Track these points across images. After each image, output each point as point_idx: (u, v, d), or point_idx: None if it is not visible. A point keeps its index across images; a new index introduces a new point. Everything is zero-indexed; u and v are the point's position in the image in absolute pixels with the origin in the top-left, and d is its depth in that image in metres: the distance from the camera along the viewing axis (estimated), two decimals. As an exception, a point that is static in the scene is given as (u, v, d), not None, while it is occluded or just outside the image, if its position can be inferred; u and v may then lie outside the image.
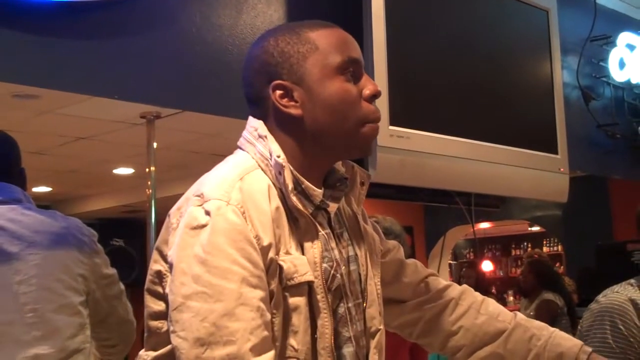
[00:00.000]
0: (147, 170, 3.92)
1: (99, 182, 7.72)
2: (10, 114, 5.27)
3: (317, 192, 1.50)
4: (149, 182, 3.89)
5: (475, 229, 3.50)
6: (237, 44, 2.76)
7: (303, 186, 1.48)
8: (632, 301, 2.55)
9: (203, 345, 1.30)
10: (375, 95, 1.53)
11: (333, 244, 1.52)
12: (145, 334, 1.51)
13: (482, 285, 7.31)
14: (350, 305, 1.53)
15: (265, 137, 1.50)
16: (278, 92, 1.50)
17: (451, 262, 12.56)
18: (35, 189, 8.24)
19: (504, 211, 4.86)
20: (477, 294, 1.85)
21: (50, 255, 2.33)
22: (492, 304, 1.83)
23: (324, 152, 1.53)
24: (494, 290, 12.53)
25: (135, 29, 2.54)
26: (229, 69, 2.73)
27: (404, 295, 1.80)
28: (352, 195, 1.65)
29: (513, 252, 14.63)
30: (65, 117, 5.43)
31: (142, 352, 1.51)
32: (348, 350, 1.50)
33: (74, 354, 2.33)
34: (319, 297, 1.44)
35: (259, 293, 1.35)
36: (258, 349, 1.32)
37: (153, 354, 1.47)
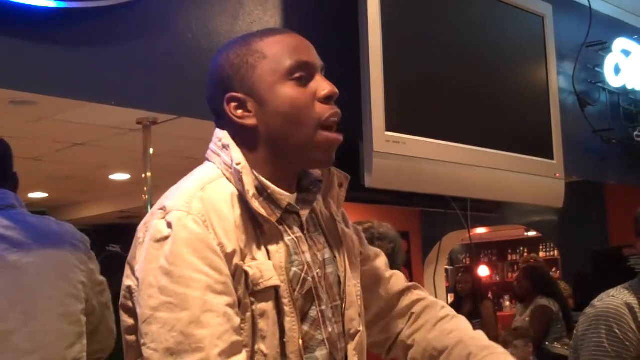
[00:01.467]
0: (143, 176, 3.92)
1: (95, 188, 7.71)
2: (6, 120, 5.26)
3: (284, 197, 1.50)
4: (145, 188, 3.89)
5: (471, 234, 3.51)
6: (233, 50, 2.77)
7: (269, 191, 1.48)
8: (628, 305, 2.56)
9: (173, 355, 1.32)
10: (331, 96, 1.51)
11: (305, 247, 1.52)
12: (125, 349, 1.51)
13: (478, 290, 7.30)
14: (323, 307, 1.52)
15: (228, 146, 1.51)
16: (232, 104, 1.52)
17: (447, 267, 12.56)
18: (31, 195, 8.23)
19: (500, 216, 4.87)
20: (446, 311, 1.78)
21: (48, 262, 2.32)
22: (452, 322, 1.75)
23: (285, 160, 1.52)
24: (490, 295, 12.53)
25: (132, 35, 2.54)
26: (225, 75, 2.73)
27: (382, 306, 1.77)
28: (331, 197, 1.65)
29: (509, 257, 14.64)
30: (62, 123, 5.42)
31: None
32: (321, 353, 1.50)
33: None
34: (285, 301, 1.44)
35: (225, 299, 1.37)
36: (227, 353, 1.33)
37: None
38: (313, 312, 1.50)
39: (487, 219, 4.50)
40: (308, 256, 1.52)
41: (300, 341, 1.46)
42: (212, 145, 1.58)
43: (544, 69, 3.60)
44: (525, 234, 13.23)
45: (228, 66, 1.53)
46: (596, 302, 2.65)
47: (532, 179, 3.42)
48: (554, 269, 10.83)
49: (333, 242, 1.61)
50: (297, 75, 1.50)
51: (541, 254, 12.91)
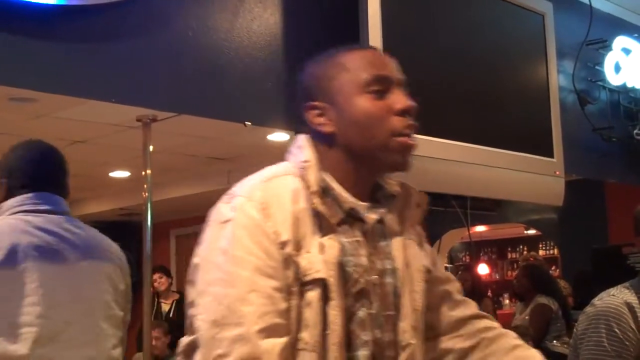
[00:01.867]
0: (143, 173, 3.92)
1: (95, 185, 7.72)
2: (6, 117, 5.26)
3: (348, 201, 1.60)
4: (145, 185, 3.88)
5: (471, 232, 3.51)
6: (233, 48, 2.76)
7: (334, 192, 1.59)
8: (628, 304, 2.56)
9: (218, 327, 1.44)
10: (407, 110, 1.60)
11: (363, 252, 1.61)
12: (187, 321, 1.62)
13: (478, 288, 7.30)
14: (373, 312, 1.59)
15: (302, 147, 1.63)
16: (312, 111, 1.64)
17: (447, 265, 12.53)
18: (31, 192, 8.22)
19: (500, 214, 4.86)
20: (519, 340, 1.85)
21: (101, 268, 2.52)
22: (527, 352, 1.83)
23: (360, 166, 1.62)
24: (490, 294, 12.52)
25: (132, 32, 2.54)
26: (225, 73, 2.73)
27: (442, 326, 1.82)
28: (407, 215, 1.73)
29: (509, 256, 14.63)
30: (62, 120, 5.43)
31: (182, 339, 1.64)
32: (363, 353, 1.57)
33: None
34: (333, 294, 1.52)
35: (272, 282, 1.47)
36: (266, 332, 1.43)
37: (189, 338, 1.59)
38: (361, 313, 1.58)
39: (486, 217, 4.49)
40: (364, 260, 1.60)
41: (342, 335, 1.53)
42: (291, 147, 1.69)
43: (544, 67, 3.60)
44: (525, 232, 13.21)
45: (311, 77, 1.67)
46: (596, 301, 2.65)
47: (532, 177, 3.42)
48: (553, 268, 10.83)
49: (396, 255, 1.68)
50: (374, 88, 1.60)
51: (541, 252, 12.90)
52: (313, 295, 1.51)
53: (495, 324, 1.87)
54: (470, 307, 1.87)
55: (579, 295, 6.50)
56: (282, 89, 2.88)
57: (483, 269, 13.59)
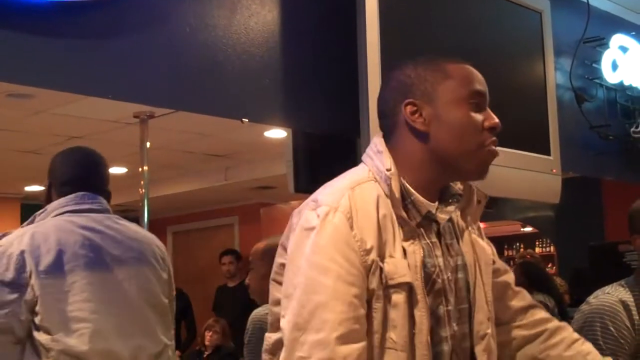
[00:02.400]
0: (140, 169, 3.94)
1: (92, 181, 7.70)
2: (4, 113, 5.26)
3: (425, 204, 1.69)
4: (142, 182, 3.90)
5: (467, 229, 3.51)
6: (231, 44, 2.76)
7: (412, 198, 1.67)
8: (623, 302, 2.56)
9: (300, 330, 1.54)
10: (495, 128, 1.74)
11: (438, 252, 1.71)
12: (270, 318, 1.76)
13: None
14: (450, 308, 1.70)
15: (382, 152, 1.70)
16: (409, 107, 1.71)
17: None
18: (28, 188, 8.23)
19: (497, 212, 4.87)
20: (575, 334, 1.97)
21: (144, 260, 2.66)
22: (586, 345, 1.95)
23: (443, 168, 1.72)
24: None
25: (129, 28, 2.54)
26: (222, 69, 2.73)
27: (503, 316, 1.92)
28: (469, 211, 1.82)
29: (505, 253, 14.61)
30: (59, 116, 5.43)
31: (267, 334, 1.77)
32: (444, 348, 1.67)
33: (166, 348, 2.65)
34: (418, 297, 1.62)
35: (354, 290, 1.55)
36: (345, 338, 1.52)
37: (275, 335, 1.71)
38: (440, 311, 1.68)
39: (483, 214, 4.50)
40: (440, 260, 1.70)
41: (429, 334, 1.62)
42: (368, 149, 1.76)
43: (542, 65, 3.60)
44: (522, 229, 13.22)
45: (414, 75, 1.74)
46: (591, 299, 2.65)
47: (528, 175, 3.42)
48: (550, 265, 10.83)
49: (466, 250, 1.78)
50: (473, 101, 1.73)
51: (537, 250, 12.90)
52: (399, 297, 1.60)
53: (549, 315, 2.00)
54: (527, 298, 2.00)
55: (575, 293, 6.51)
56: (280, 85, 2.88)
57: (480, 266, 13.58)
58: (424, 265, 1.65)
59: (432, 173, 1.72)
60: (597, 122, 4.42)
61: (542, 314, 1.99)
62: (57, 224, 2.55)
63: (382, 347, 1.59)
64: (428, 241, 1.69)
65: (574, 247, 6.96)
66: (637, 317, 2.55)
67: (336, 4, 3.01)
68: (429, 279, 1.66)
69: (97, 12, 2.44)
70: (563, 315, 5.86)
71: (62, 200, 2.64)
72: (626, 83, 4.62)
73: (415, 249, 1.65)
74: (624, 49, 4.61)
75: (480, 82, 1.78)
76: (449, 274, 1.71)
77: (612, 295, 2.60)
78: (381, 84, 1.81)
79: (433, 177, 1.72)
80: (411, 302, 1.61)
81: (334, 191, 1.65)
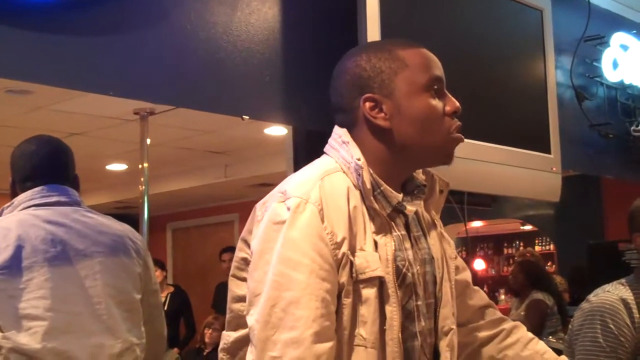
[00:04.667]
0: (140, 166, 3.94)
1: (92, 178, 7.71)
2: (3, 109, 5.26)
3: (395, 195, 1.63)
4: (142, 178, 3.90)
5: (467, 227, 3.51)
6: (231, 41, 2.76)
7: (382, 188, 1.62)
8: (623, 300, 2.57)
9: (272, 329, 1.47)
10: (457, 112, 1.69)
11: (408, 245, 1.65)
12: (228, 316, 1.70)
13: (474, 283, 7.30)
14: (419, 303, 1.64)
15: (348, 142, 1.64)
16: (368, 104, 1.64)
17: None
18: (27, 185, 8.20)
19: (497, 210, 4.86)
20: (529, 333, 1.95)
21: (112, 254, 2.54)
22: (540, 344, 1.93)
23: (408, 161, 1.68)
24: (486, 289, 12.54)
25: (130, 25, 2.54)
26: (223, 66, 2.73)
27: (462, 316, 1.88)
28: (431, 202, 1.78)
29: (505, 251, 14.63)
30: (59, 113, 5.43)
31: (224, 332, 1.70)
32: (414, 344, 1.62)
33: (133, 347, 2.52)
34: (389, 291, 1.56)
35: (326, 285, 1.49)
36: (319, 337, 1.46)
37: (235, 334, 1.67)
38: (410, 306, 1.63)
39: (483, 212, 4.49)
40: (410, 253, 1.65)
41: (400, 330, 1.57)
42: (331, 141, 1.69)
43: (542, 63, 3.60)
44: (521, 227, 13.22)
45: (369, 68, 1.66)
46: (591, 297, 2.65)
47: (528, 173, 3.42)
48: (549, 263, 10.84)
49: (432, 244, 1.73)
50: (433, 88, 1.67)
51: (537, 248, 12.90)
52: (370, 292, 1.54)
53: (503, 315, 1.97)
54: (483, 297, 1.96)
55: (575, 291, 6.52)
56: (280, 82, 2.87)
57: (479, 265, 13.61)
58: (394, 258, 1.59)
59: (396, 166, 1.66)
60: (598, 120, 4.42)
61: (497, 313, 1.96)
62: (21, 218, 2.45)
63: (350, 344, 1.53)
64: (398, 233, 1.63)
65: (573, 245, 6.95)
66: (638, 315, 2.55)
67: (337, 0, 3.00)
68: (399, 273, 1.60)
69: (97, 9, 2.43)
70: (562, 313, 5.86)
71: (29, 193, 2.53)
72: (627, 81, 4.62)
73: (387, 242, 1.59)
74: (624, 47, 4.61)
75: (437, 67, 1.71)
76: (418, 267, 1.66)
77: (612, 293, 2.60)
78: (334, 75, 1.72)
79: (398, 170, 1.68)
80: (382, 297, 1.56)
81: (304, 182, 1.58)
